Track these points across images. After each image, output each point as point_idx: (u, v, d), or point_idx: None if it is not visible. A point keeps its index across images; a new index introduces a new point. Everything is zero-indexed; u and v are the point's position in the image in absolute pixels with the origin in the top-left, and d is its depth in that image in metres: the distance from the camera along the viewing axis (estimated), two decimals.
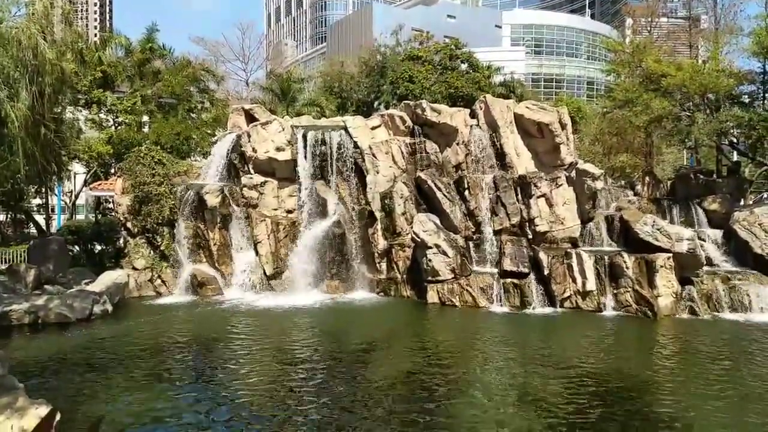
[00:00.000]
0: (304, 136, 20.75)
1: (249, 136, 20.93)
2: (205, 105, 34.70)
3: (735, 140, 26.92)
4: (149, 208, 19.84)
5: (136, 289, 19.17)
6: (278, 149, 20.81)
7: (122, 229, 20.87)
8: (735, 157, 30.51)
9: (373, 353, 12.37)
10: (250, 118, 22.97)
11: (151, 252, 19.90)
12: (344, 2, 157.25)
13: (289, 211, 20.91)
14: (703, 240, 18.71)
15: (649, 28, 42.98)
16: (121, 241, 21.15)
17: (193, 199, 19.76)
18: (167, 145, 27.61)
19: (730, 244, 18.82)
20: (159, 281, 19.52)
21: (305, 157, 20.60)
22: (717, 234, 19.22)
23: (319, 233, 19.56)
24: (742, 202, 22.40)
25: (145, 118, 31.67)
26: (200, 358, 11.78)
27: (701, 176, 23.54)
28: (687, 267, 16.82)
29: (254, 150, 20.78)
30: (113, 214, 23.59)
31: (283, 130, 21.04)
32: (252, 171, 20.97)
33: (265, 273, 19.70)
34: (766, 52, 22.27)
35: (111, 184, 27.62)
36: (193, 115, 33.46)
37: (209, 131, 32.38)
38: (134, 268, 19.58)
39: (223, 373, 10.76)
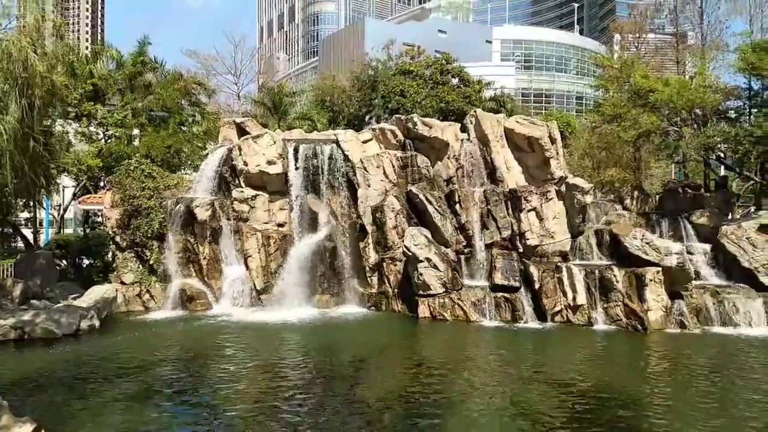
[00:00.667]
0: (296, 150, 20.76)
1: (240, 149, 20.92)
2: (196, 118, 34.64)
3: (722, 155, 27.28)
4: (138, 221, 19.70)
5: (125, 304, 18.96)
6: (269, 163, 20.80)
7: (111, 243, 20.70)
8: (722, 171, 30.89)
9: (364, 369, 12.28)
10: (242, 131, 22.97)
11: (140, 266, 19.74)
12: (336, 17, 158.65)
13: (280, 225, 20.84)
14: (692, 254, 18.83)
15: (636, 44, 43.64)
16: (110, 255, 20.97)
17: (183, 213, 19.65)
18: (158, 158, 27.49)
19: (719, 258, 18.94)
20: (148, 296, 19.33)
21: (297, 170, 20.59)
22: (705, 248, 19.35)
23: (310, 247, 19.49)
24: (729, 216, 22.60)
25: (136, 131, 31.55)
26: (188, 375, 11.63)
27: (689, 190, 23.77)
28: (676, 281, 16.91)
29: (245, 163, 20.75)
30: (102, 227, 23.40)
31: (275, 143, 21.05)
32: (243, 184, 20.92)
33: (255, 287, 19.56)
34: (751, 68, 22.65)
35: (100, 197, 27.41)
36: (184, 129, 33.37)
37: (200, 145, 32.30)
38: (123, 283, 19.39)
39: (211, 390, 10.63)
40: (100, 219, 28.33)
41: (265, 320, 17.19)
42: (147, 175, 20.68)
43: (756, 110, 24.84)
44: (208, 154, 23.02)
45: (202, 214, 19.55)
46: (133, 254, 19.90)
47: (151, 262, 19.71)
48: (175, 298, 19.03)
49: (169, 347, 14.12)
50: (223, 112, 41.37)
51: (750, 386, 11.11)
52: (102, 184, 30.58)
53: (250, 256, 19.72)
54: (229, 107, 46.85)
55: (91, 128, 30.63)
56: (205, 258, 19.76)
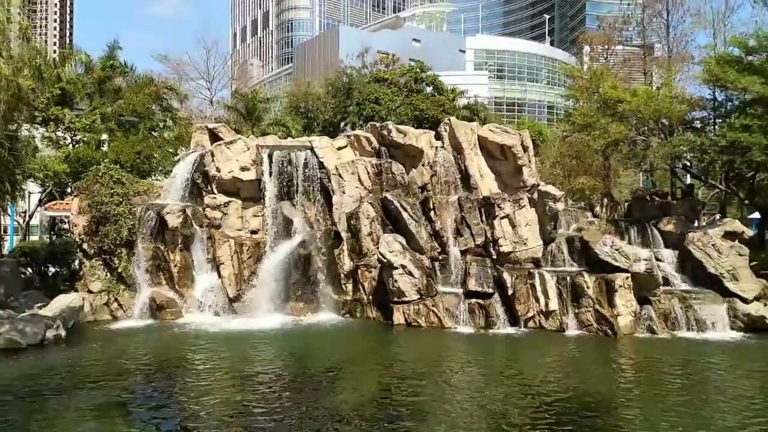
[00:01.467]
0: (270, 156, 20.61)
1: (213, 155, 20.66)
2: (167, 123, 34.11)
3: (688, 164, 28.06)
4: (107, 228, 19.23)
5: (92, 313, 18.44)
6: (243, 169, 20.59)
7: (78, 250, 20.14)
8: (688, 179, 31.79)
9: (338, 376, 12.18)
10: (214, 137, 22.69)
11: (108, 274, 19.24)
12: (311, 24, 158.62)
13: (254, 232, 20.62)
14: (660, 260, 19.26)
15: (605, 56, 44.65)
16: (77, 263, 20.41)
17: (154, 220, 19.27)
18: (127, 164, 26.96)
19: (686, 264, 19.40)
20: (116, 305, 18.84)
21: (271, 176, 20.43)
22: (672, 254, 19.83)
23: (283, 254, 19.31)
24: (695, 224, 23.25)
25: (105, 136, 30.90)
26: (158, 385, 11.37)
27: (656, 198, 24.38)
28: (645, 286, 17.29)
29: (218, 169, 20.50)
30: (69, 235, 22.79)
31: (248, 149, 20.85)
32: (215, 191, 20.65)
33: (227, 295, 19.27)
34: (715, 80, 23.35)
35: (67, 204, 26.70)
36: (155, 134, 32.83)
37: (171, 150, 31.80)
38: (90, 291, 18.86)
39: (181, 400, 10.40)
40: (66, 226, 27.59)
41: (237, 328, 16.94)
42: (116, 181, 20.23)
43: (720, 120, 25.65)
44: (179, 159, 22.66)
45: (173, 220, 19.20)
46: (100, 262, 19.40)
47: (119, 270, 19.23)
48: (144, 307, 18.61)
49: (137, 357, 13.77)
50: (196, 118, 40.81)
51: (716, 390, 11.41)
52: (69, 190, 29.79)
53: (222, 263, 19.44)
54: (202, 113, 46.23)
55: (59, 133, 29.91)
56: (176, 265, 19.39)
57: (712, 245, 18.64)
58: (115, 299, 18.86)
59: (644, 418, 9.57)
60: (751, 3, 29.12)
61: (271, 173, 20.45)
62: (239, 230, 20.43)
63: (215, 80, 49.97)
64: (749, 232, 20.27)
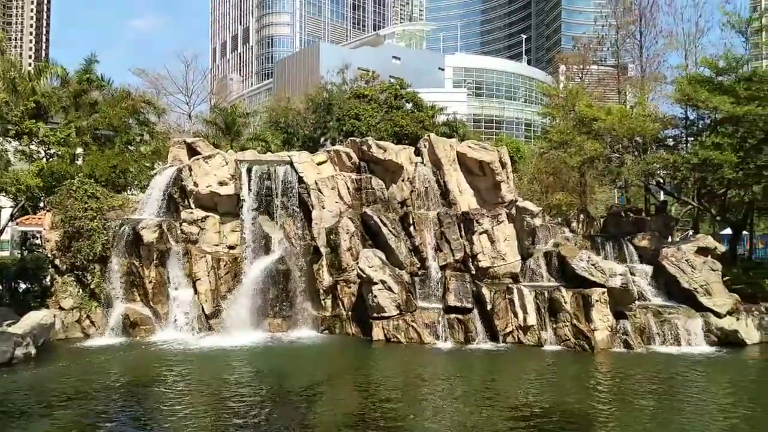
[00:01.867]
0: (249, 171, 20.48)
1: (190, 169, 20.44)
2: (144, 138, 33.66)
3: (661, 180, 28.67)
4: (80, 244, 18.81)
5: (63, 331, 17.95)
6: (221, 183, 20.41)
7: (50, 266, 19.65)
8: (662, 196, 32.42)
9: (315, 394, 12.01)
10: (192, 151, 22.49)
11: (80, 291, 18.77)
12: (291, 40, 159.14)
13: (231, 247, 20.37)
14: (635, 275, 19.52)
15: (580, 75, 45.69)
16: (48, 279, 19.89)
17: (129, 235, 18.93)
18: (102, 178, 26.45)
19: (660, 279, 19.71)
20: (88, 322, 18.38)
21: (249, 191, 20.29)
22: (647, 269, 20.13)
23: (262, 270, 19.10)
24: (669, 239, 23.66)
25: (80, 150, 30.35)
26: (130, 405, 11.06)
27: (631, 214, 24.79)
28: (621, 301, 17.48)
29: (196, 184, 20.27)
30: (40, 250, 22.24)
31: (227, 164, 20.70)
32: (193, 205, 20.39)
33: (204, 312, 18.94)
34: (687, 99, 23.97)
35: (39, 218, 26.13)
36: (132, 148, 32.33)
37: (148, 164, 31.33)
38: (61, 308, 18.37)
39: (155, 421, 10.13)
40: (38, 241, 26.94)
41: (213, 345, 16.63)
42: (90, 196, 19.85)
43: (692, 139, 26.31)
44: (156, 174, 22.37)
45: (148, 235, 18.88)
46: (73, 278, 18.93)
47: (92, 287, 18.78)
48: (117, 324, 18.19)
49: (109, 376, 13.39)
50: (174, 132, 40.43)
51: (692, 404, 11.54)
52: (42, 204, 29.15)
53: (199, 279, 19.13)
54: (180, 127, 45.86)
55: (32, 147, 29.25)
56: (150, 282, 19.02)
57: (686, 261, 18.98)
58: (88, 316, 18.41)
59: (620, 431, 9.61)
60: (720, 26, 30.14)
61: (249, 188, 20.31)
62: (216, 245, 20.17)
63: (194, 95, 49.75)
64: (721, 248, 20.70)
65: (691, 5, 52.76)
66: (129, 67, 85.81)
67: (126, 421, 10.08)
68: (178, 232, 19.73)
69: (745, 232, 29.68)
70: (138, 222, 19.24)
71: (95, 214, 19.40)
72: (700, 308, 17.98)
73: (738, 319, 17.71)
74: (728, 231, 29.05)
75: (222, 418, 10.29)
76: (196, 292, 19.11)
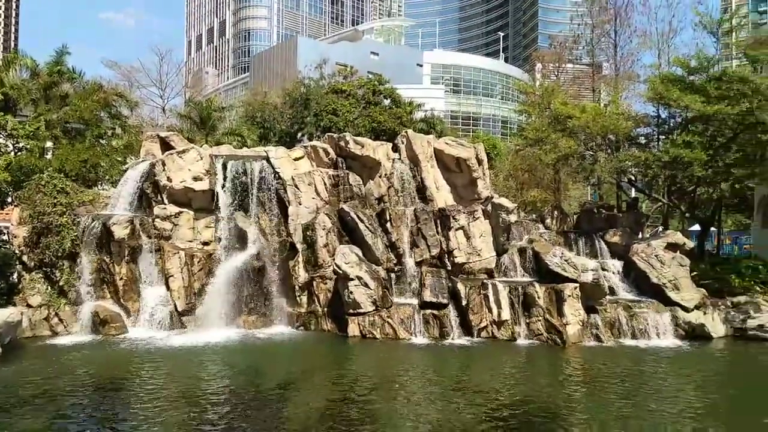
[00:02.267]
0: (224, 166, 20.23)
1: (164, 164, 20.11)
2: (116, 131, 33.01)
3: (633, 178, 29.21)
4: (48, 239, 18.37)
5: (30, 329, 17.51)
6: (195, 179, 20.12)
7: (17, 262, 19.11)
8: (633, 193, 33.07)
9: (291, 391, 11.97)
10: (166, 146, 22.13)
11: (49, 288, 18.34)
12: (268, 34, 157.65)
13: (206, 243, 20.12)
14: (606, 270, 19.91)
15: (556, 73, 46.22)
16: (15, 275, 19.35)
17: (99, 231, 18.55)
18: (72, 172, 25.90)
19: (630, 274, 20.13)
20: (56, 319, 17.95)
21: (224, 187, 20.05)
22: (618, 265, 20.52)
23: (237, 266, 18.91)
24: (640, 235, 24.14)
25: (49, 143, 29.64)
26: (99, 405, 10.86)
27: (603, 211, 25.25)
28: (592, 296, 17.82)
29: (169, 179, 19.96)
30: (7, 246, 21.63)
31: (202, 158, 20.41)
32: (166, 201, 20.07)
33: (176, 309, 18.68)
34: (659, 98, 24.41)
35: (7, 214, 25.38)
36: (103, 142, 31.70)
37: (120, 159, 30.75)
38: (29, 306, 17.92)
39: (126, 420, 9.98)
40: (5, 237, 26.19)
41: (186, 343, 16.42)
42: (59, 191, 19.39)
43: (663, 137, 26.83)
44: (128, 168, 21.93)
45: (120, 231, 18.53)
46: (41, 275, 18.48)
47: (61, 284, 18.36)
48: (87, 322, 17.82)
49: (77, 376, 13.11)
50: (147, 126, 39.73)
51: (659, 396, 11.82)
52: (10, 200, 28.38)
53: (171, 276, 18.86)
54: (153, 121, 45.07)
55: (0, 140, 28.50)
56: (121, 278, 18.69)
57: (655, 256, 19.41)
58: (56, 314, 17.98)
59: (591, 425, 9.80)
60: (693, 26, 30.80)
61: (225, 184, 20.07)
62: (190, 242, 19.90)
63: (168, 88, 48.98)
64: (690, 244, 21.22)
65: (665, 5, 53.85)
66: (101, 59, 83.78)
67: (94, 422, 9.90)
68: (151, 228, 19.40)
69: (713, 229, 30.48)
70: (109, 217, 18.87)
71: (65, 210, 18.97)
72: (669, 303, 18.42)
73: (705, 313, 18.20)
74: (697, 227, 29.78)
75: (194, 416, 10.18)
76: (168, 289, 18.83)
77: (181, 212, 19.92)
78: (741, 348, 16.97)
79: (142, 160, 21.41)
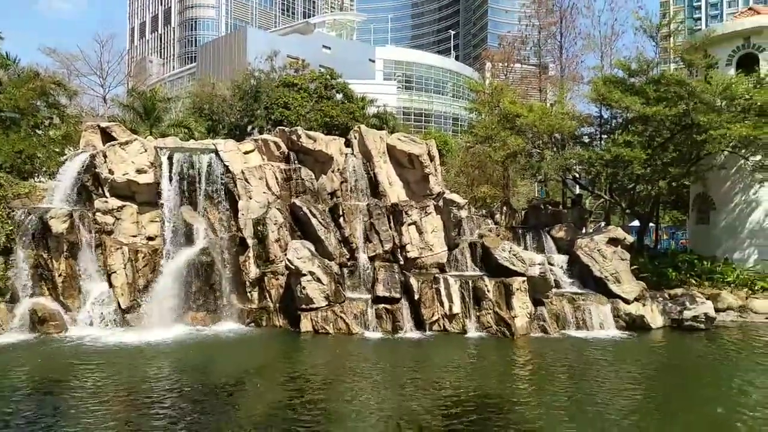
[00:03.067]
0: (170, 158, 19.58)
1: (105, 156, 19.27)
2: (54, 121, 31.33)
3: (577, 175, 30.27)
4: None
5: None
6: (139, 171, 19.39)
7: None
8: (577, 190, 34.28)
9: (241, 388, 11.75)
10: (107, 137, 21.20)
11: None
12: (216, 23, 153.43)
13: (150, 238, 19.44)
14: (552, 264, 20.60)
15: (505, 73, 47.22)
16: None
17: (36, 225, 17.60)
18: (6, 164, 24.40)
19: (574, 268, 20.89)
20: None
21: (170, 180, 19.42)
22: (563, 259, 21.27)
23: (183, 262, 18.37)
24: (583, 231, 25.07)
25: None
26: (38, 409, 10.31)
27: (549, 207, 26.05)
28: (539, 289, 18.38)
29: (111, 171, 19.15)
30: None
31: (146, 151, 19.69)
32: (108, 194, 19.25)
33: (120, 306, 17.98)
34: (601, 99, 25.36)
35: None
36: (40, 132, 30.04)
37: (58, 150, 29.20)
38: None
39: (63, 424, 9.50)
40: None
41: (130, 342, 15.82)
42: None
43: (606, 136, 27.91)
44: (67, 160, 20.91)
45: (58, 226, 17.63)
46: None
47: None
48: (23, 320, 16.89)
49: (12, 377, 12.40)
50: (87, 116, 37.90)
51: (600, 381, 12.39)
52: None
53: (114, 272, 18.12)
54: (94, 110, 43.10)
55: None
56: (60, 275, 17.80)
57: (598, 251, 20.20)
58: None
59: (537, 413, 10.12)
60: (634, 30, 32.14)
61: (171, 177, 19.44)
62: (134, 236, 19.18)
63: (109, 77, 46.94)
64: (630, 239, 22.20)
65: (608, 9, 55.94)
66: (39, 46, 78.90)
67: (30, 427, 9.38)
68: (92, 222, 18.56)
69: (651, 224, 32.03)
70: (46, 211, 17.93)
71: None
72: (611, 295, 19.22)
73: (644, 305, 19.09)
74: (636, 223, 31.19)
75: (138, 418, 9.82)
76: (111, 285, 18.10)
77: (124, 206, 19.17)
78: (678, 338, 17.90)
79: (82, 152, 20.47)
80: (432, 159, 22.60)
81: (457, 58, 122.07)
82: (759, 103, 21.30)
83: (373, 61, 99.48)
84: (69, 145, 29.49)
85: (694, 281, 22.76)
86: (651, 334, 18.30)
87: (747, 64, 24.93)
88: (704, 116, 21.33)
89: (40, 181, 25.29)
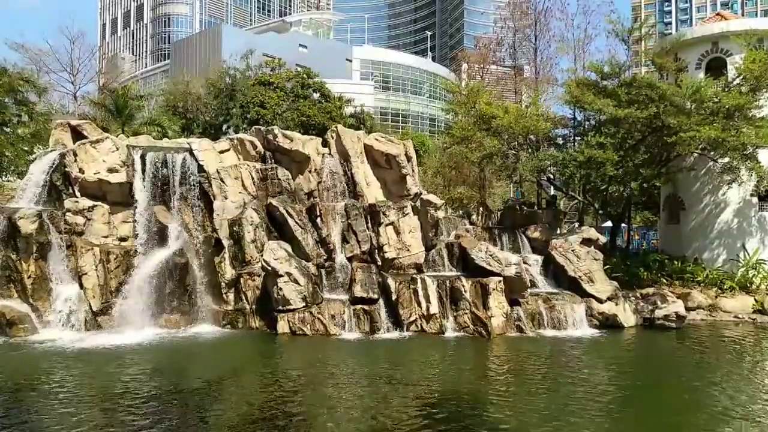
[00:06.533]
0: (143, 157, 19.22)
1: (75, 155, 18.80)
2: (22, 119, 30.54)
3: (552, 176, 30.67)
4: None
5: None
6: (111, 170, 18.97)
7: None
8: (552, 191, 34.75)
9: (216, 391, 11.57)
10: (78, 135, 20.66)
11: None
12: (190, 20, 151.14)
13: (123, 239, 19.03)
14: (528, 264, 20.81)
15: (481, 74, 47.58)
16: None
17: (4, 226, 17.07)
18: None
19: (549, 268, 21.16)
20: None
21: (143, 180, 19.05)
22: (538, 259, 21.53)
23: (157, 263, 18.03)
24: (558, 231, 25.42)
25: None
26: (6, 414, 9.99)
27: (525, 208, 26.36)
28: (515, 289, 18.57)
29: (81, 170, 18.70)
30: None
31: (118, 149, 19.27)
32: (78, 194, 18.79)
33: (91, 308, 17.56)
34: (575, 101, 25.74)
35: None
36: (8, 130, 29.25)
37: (26, 148, 28.51)
38: None
39: (33, 430, 9.23)
40: None
41: (102, 345, 15.46)
42: None
43: (579, 138, 28.36)
44: (35, 159, 20.34)
45: (26, 226, 17.13)
46: None
47: None
48: None
49: None
50: (56, 114, 36.96)
51: (574, 378, 12.58)
52: None
53: (85, 273, 17.70)
54: (64, 108, 42.04)
55: None
56: (29, 277, 17.30)
57: (572, 251, 20.51)
58: None
59: (512, 413, 10.22)
60: (606, 33, 32.71)
61: (143, 176, 19.08)
62: (106, 237, 18.74)
63: (80, 73, 45.77)
64: (603, 239, 22.62)
65: (581, 13, 56.82)
66: (5, 41, 76.55)
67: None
68: (62, 222, 18.08)
69: (623, 225, 32.63)
70: (14, 211, 17.40)
71: None
72: (584, 295, 19.53)
73: (617, 304, 19.44)
74: (609, 224, 31.75)
75: (110, 423, 9.60)
76: (82, 287, 17.67)
77: (95, 206, 18.72)
78: (649, 336, 18.29)
79: (51, 150, 19.92)
80: (409, 159, 22.64)
81: (433, 58, 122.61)
82: (727, 106, 21.87)
83: (350, 61, 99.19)
84: (38, 143, 28.81)
85: (665, 281, 23.29)
86: (623, 332, 18.65)
87: (716, 67, 25.59)
88: (674, 119, 21.82)
89: (8, 181, 24.59)
